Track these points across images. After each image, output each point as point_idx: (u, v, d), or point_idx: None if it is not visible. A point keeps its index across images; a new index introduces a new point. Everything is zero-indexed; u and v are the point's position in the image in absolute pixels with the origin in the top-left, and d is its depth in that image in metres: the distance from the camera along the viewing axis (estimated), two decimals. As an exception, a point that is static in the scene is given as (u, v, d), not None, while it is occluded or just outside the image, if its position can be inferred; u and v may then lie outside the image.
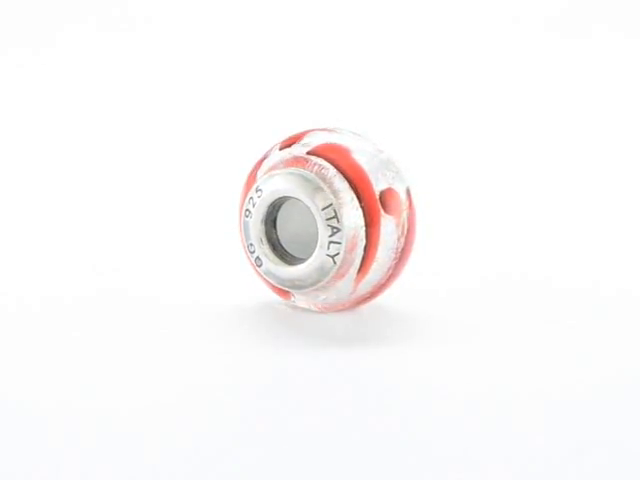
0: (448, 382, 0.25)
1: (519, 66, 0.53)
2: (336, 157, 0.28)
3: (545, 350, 0.28)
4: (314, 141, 0.28)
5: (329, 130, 0.29)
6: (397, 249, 0.28)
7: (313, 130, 0.29)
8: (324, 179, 0.28)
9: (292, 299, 0.30)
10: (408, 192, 0.28)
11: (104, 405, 0.24)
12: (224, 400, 0.25)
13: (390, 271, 0.28)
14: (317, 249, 0.28)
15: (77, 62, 0.53)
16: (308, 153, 0.28)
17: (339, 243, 0.28)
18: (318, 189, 0.28)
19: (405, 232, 0.28)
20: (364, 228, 0.28)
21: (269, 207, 0.29)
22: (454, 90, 0.52)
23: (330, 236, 0.28)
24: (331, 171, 0.28)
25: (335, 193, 0.28)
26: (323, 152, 0.28)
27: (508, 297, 0.32)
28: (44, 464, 0.21)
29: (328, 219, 0.28)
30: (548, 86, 0.52)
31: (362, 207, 0.28)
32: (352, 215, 0.28)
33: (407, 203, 0.28)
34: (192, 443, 0.22)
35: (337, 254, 0.28)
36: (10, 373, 0.26)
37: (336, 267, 0.28)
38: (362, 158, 0.28)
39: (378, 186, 0.28)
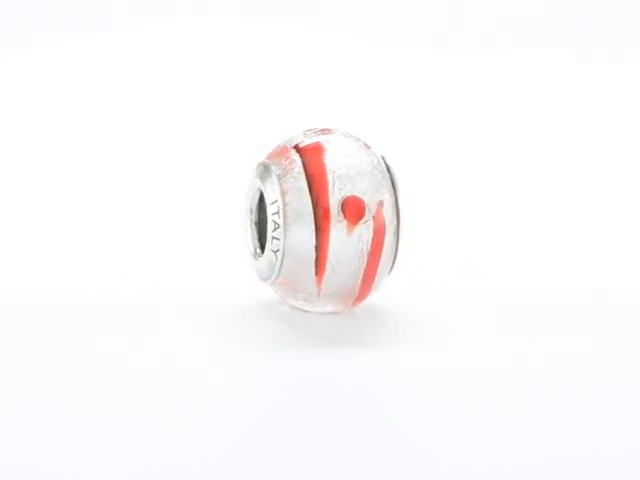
0: (441, 383, 0.26)
1: (517, 74, 0.53)
2: (309, 156, 0.28)
3: (538, 351, 0.27)
4: (321, 139, 0.29)
5: (346, 135, 0.29)
6: (364, 254, 0.28)
7: (337, 131, 0.29)
8: (285, 175, 0.28)
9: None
10: (380, 204, 0.28)
11: (104, 405, 0.24)
12: (220, 398, 0.25)
13: (363, 274, 0.28)
14: (267, 243, 0.29)
15: (80, 63, 0.53)
16: (294, 146, 0.29)
17: (278, 239, 0.28)
18: (272, 184, 0.28)
19: (371, 239, 0.28)
20: (314, 230, 0.28)
21: (254, 197, 0.30)
22: (457, 99, 0.52)
23: (273, 231, 0.28)
24: (297, 169, 0.28)
25: (285, 191, 0.28)
26: (304, 149, 0.29)
27: (501, 298, 0.32)
28: (38, 464, 0.21)
29: (273, 214, 0.28)
30: (544, 91, 0.53)
31: (314, 208, 0.28)
32: (302, 214, 0.28)
33: (375, 213, 0.28)
34: (192, 440, 0.22)
35: (278, 250, 0.28)
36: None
37: (278, 263, 0.28)
38: (338, 163, 0.28)
39: (342, 192, 0.28)
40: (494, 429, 0.23)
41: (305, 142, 0.29)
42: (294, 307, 0.30)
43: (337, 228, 0.28)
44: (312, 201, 0.28)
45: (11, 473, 0.21)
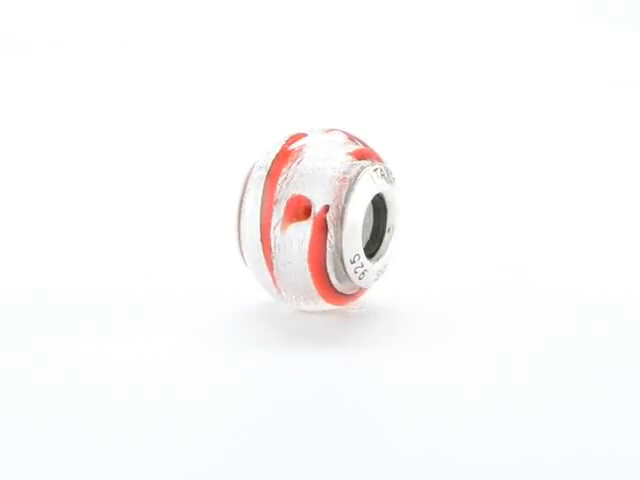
0: (440, 383, 0.26)
1: (513, 69, 0.54)
2: (285, 151, 0.29)
3: (534, 351, 0.27)
4: (316, 137, 0.29)
5: (345, 139, 0.29)
6: (305, 253, 0.28)
7: (342, 133, 0.30)
8: (256, 165, 0.29)
9: None
10: (326, 208, 0.28)
11: (102, 407, 0.24)
12: (218, 398, 0.26)
13: (311, 275, 0.28)
14: None
15: (78, 62, 0.53)
16: (289, 138, 0.29)
17: (235, 226, 0.29)
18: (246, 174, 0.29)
19: (309, 240, 0.28)
20: (259, 223, 0.28)
21: None
22: (451, 94, 0.52)
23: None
24: (269, 158, 0.29)
25: (249, 177, 0.29)
26: (290, 144, 0.29)
27: (496, 297, 0.32)
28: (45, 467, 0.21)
29: (239, 205, 0.29)
30: (544, 90, 0.53)
31: (262, 200, 0.28)
32: (254, 205, 0.28)
33: (317, 216, 0.28)
34: (190, 441, 0.22)
35: (236, 238, 0.29)
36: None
37: (239, 249, 0.29)
38: (306, 163, 0.28)
39: (293, 190, 0.28)
40: (493, 431, 0.23)
41: (301, 137, 0.29)
42: (298, 309, 0.30)
43: (280, 225, 0.28)
44: (264, 193, 0.28)
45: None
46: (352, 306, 0.30)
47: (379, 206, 0.30)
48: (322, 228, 0.28)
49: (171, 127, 0.50)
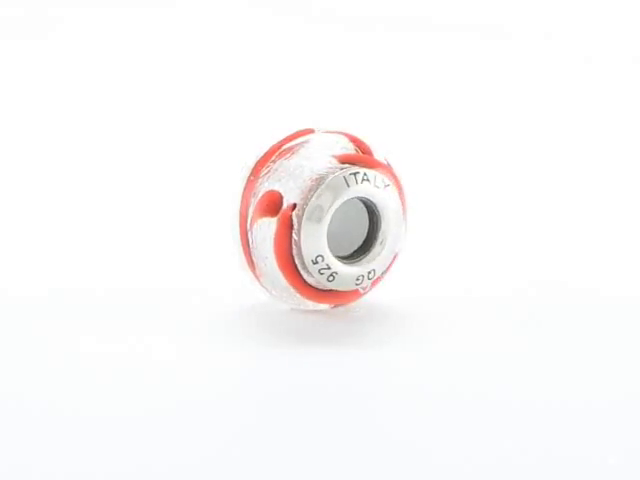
0: (437, 383, 0.26)
1: (513, 69, 0.54)
2: (276, 148, 0.29)
3: (535, 352, 0.28)
4: (314, 137, 0.29)
5: (354, 142, 0.29)
6: (271, 250, 0.28)
7: (341, 134, 0.29)
8: (253, 155, 0.29)
9: None
10: (293, 206, 0.28)
11: (99, 408, 0.24)
12: (216, 398, 0.26)
13: (282, 274, 0.28)
14: None
15: (75, 60, 0.53)
16: (288, 135, 0.29)
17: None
18: None
19: (273, 237, 0.28)
20: (238, 216, 0.29)
21: None
22: (452, 94, 0.52)
23: None
24: (261, 151, 0.29)
25: (240, 179, 0.29)
26: (288, 142, 0.29)
27: (498, 299, 0.32)
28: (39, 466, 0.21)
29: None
30: (550, 89, 0.53)
31: (243, 194, 0.28)
32: (236, 199, 0.29)
33: (283, 213, 0.28)
34: (188, 441, 0.22)
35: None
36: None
37: (236, 253, 0.29)
38: (292, 160, 0.28)
39: (270, 186, 0.28)
40: (493, 431, 0.23)
41: (305, 133, 0.29)
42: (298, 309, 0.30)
43: (252, 220, 0.28)
44: (246, 185, 0.28)
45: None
46: (354, 307, 0.30)
47: (373, 212, 0.29)
48: (287, 225, 0.28)
49: (173, 127, 0.50)
